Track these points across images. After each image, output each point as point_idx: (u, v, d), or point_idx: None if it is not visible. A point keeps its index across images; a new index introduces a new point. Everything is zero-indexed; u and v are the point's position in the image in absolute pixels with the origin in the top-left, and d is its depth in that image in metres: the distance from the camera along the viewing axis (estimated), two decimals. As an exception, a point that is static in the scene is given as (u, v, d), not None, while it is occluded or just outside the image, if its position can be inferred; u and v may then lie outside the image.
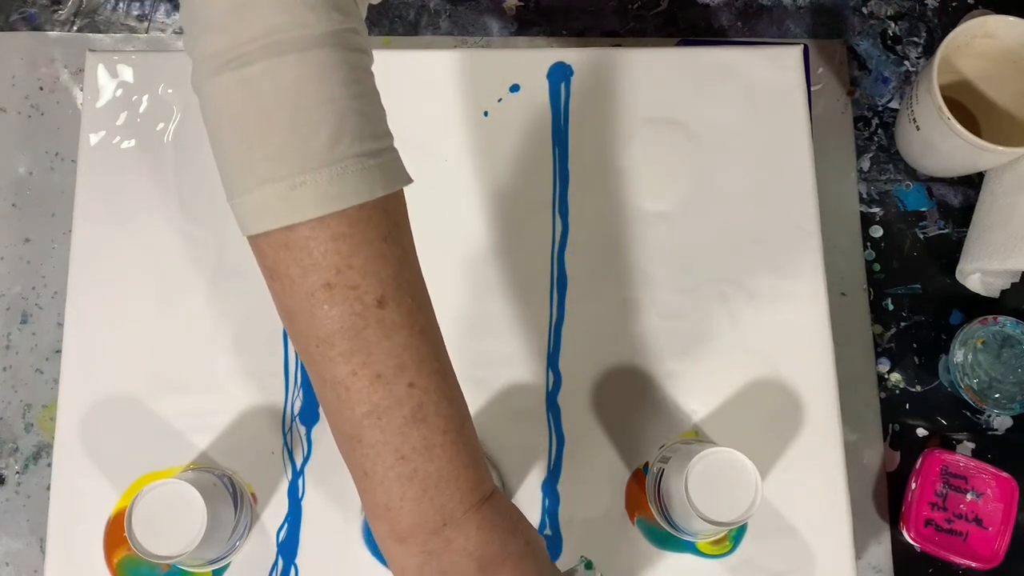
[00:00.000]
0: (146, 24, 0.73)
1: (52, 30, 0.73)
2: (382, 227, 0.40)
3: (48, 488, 0.60)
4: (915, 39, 0.74)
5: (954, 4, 0.75)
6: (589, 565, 0.51)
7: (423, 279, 0.43)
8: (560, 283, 0.63)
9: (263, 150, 0.39)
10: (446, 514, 0.42)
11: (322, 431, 0.60)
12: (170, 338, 0.61)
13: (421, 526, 0.41)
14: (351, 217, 0.39)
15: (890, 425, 0.67)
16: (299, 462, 0.60)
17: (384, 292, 0.40)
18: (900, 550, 0.65)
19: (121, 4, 0.73)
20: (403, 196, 0.42)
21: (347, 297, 0.39)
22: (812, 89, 0.72)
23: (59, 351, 0.63)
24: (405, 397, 0.41)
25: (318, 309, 0.40)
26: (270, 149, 0.39)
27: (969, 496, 0.63)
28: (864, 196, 0.71)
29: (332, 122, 0.39)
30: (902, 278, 0.70)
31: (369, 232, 0.40)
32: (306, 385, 0.61)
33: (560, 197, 0.64)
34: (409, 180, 0.42)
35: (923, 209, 0.71)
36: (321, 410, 0.59)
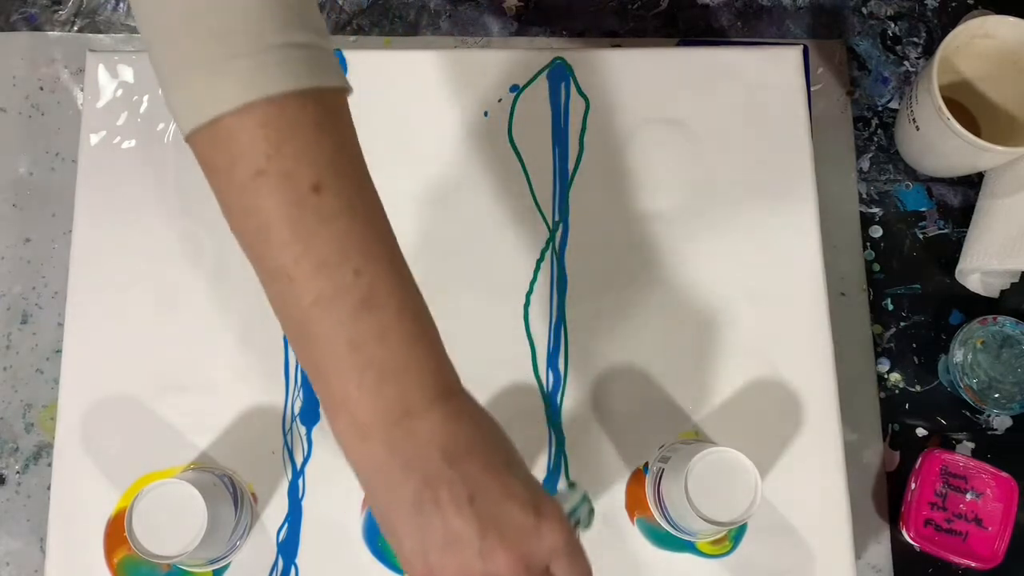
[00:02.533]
0: (146, 24, 0.73)
1: (52, 30, 0.73)
2: (315, 115, 0.39)
3: (48, 488, 0.60)
4: (915, 39, 0.74)
5: (954, 4, 0.75)
6: (573, 486, 0.48)
7: (365, 167, 0.41)
8: (560, 283, 0.63)
9: (186, 45, 0.38)
10: (407, 403, 0.39)
11: (322, 431, 0.60)
12: (170, 338, 0.61)
13: (381, 417, 0.39)
14: (278, 104, 0.38)
15: (890, 425, 0.67)
16: (299, 462, 0.60)
17: (320, 178, 0.39)
18: (900, 550, 0.65)
19: (121, 4, 0.73)
20: (345, 101, 0.42)
21: (281, 185, 0.38)
22: (812, 89, 0.72)
23: (59, 351, 0.63)
24: (352, 284, 0.39)
25: (252, 200, 0.39)
26: (190, 45, 0.38)
27: (969, 496, 0.63)
28: (864, 196, 0.71)
29: (253, 13, 0.38)
30: (902, 278, 0.70)
31: (300, 118, 0.39)
32: (306, 385, 0.61)
33: (560, 197, 0.64)
34: (345, 83, 0.41)
35: (923, 209, 0.71)
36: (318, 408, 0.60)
